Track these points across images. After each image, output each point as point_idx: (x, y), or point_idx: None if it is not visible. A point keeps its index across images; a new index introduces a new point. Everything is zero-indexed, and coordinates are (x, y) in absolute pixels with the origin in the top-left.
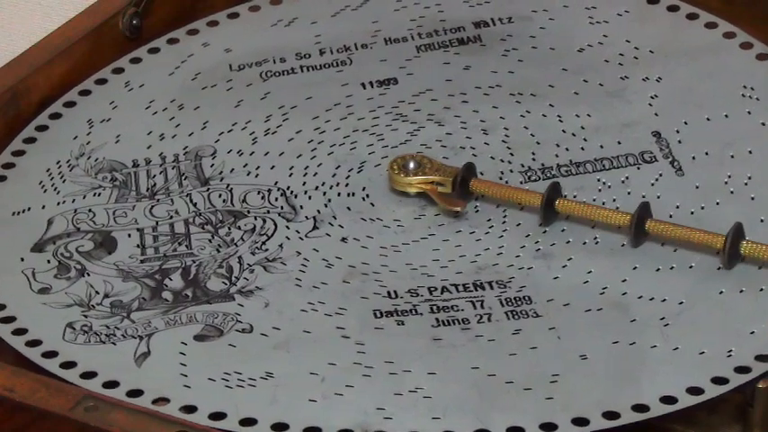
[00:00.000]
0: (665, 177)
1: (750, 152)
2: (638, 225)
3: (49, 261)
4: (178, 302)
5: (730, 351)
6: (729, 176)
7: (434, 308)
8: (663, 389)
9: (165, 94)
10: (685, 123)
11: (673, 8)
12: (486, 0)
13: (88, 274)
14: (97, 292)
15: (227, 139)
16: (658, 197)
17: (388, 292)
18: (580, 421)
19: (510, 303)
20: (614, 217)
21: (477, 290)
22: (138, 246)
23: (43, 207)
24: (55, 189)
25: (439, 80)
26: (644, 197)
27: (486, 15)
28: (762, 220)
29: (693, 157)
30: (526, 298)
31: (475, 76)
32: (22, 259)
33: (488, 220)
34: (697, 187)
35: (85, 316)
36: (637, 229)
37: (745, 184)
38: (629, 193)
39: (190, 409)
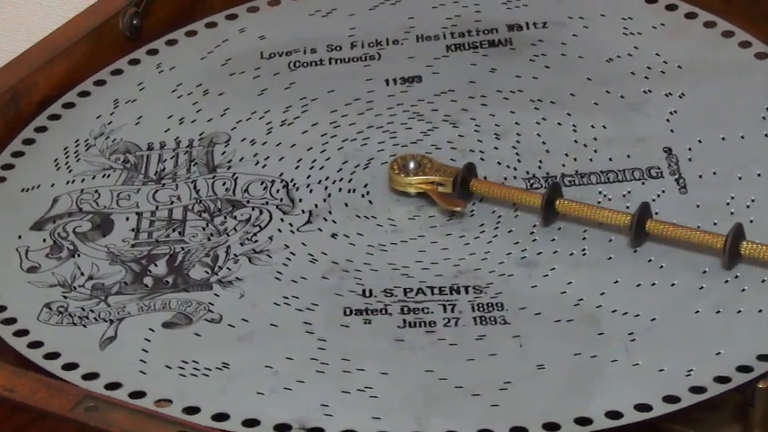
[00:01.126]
0: (668, 194)
1: (759, 174)
2: (639, 225)
3: (44, 240)
4: (157, 289)
5: (690, 371)
6: (732, 198)
7: (405, 309)
8: (610, 403)
9: (193, 77)
10: (699, 141)
11: (709, 24)
12: (525, 3)
13: (78, 255)
14: (82, 274)
15: (243, 127)
16: (656, 213)
17: (363, 291)
18: (518, 430)
19: (481, 309)
20: (614, 217)
21: (451, 293)
22: (132, 230)
23: (52, 185)
24: (68, 168)
25: (462, 81)
26: (657, 213)
27: (521, 19)
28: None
29: (700, 176)
30: (498, 305)
31: (498, 80)
32: (20, 237)
33: (481, 225)
34: (698, 206)
35: (65, 297)
36: (637, 230)
37: (747, 206)
38: (627, 207)
39: (139, 394)
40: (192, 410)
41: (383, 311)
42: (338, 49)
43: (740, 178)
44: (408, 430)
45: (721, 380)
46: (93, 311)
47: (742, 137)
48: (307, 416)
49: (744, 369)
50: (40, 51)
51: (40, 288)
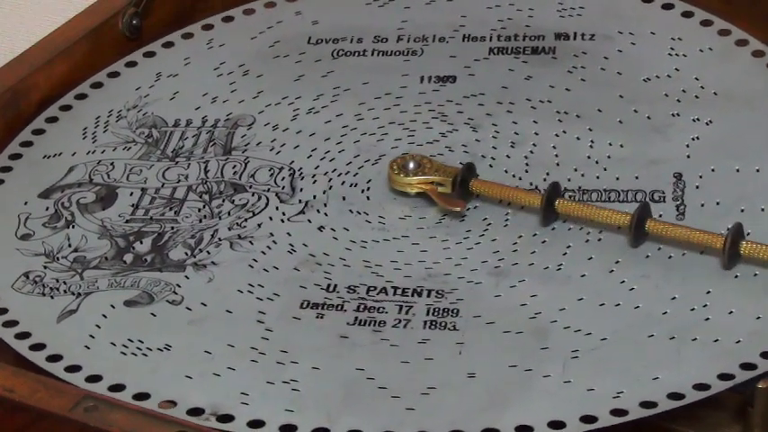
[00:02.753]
0: (663, 219)
1: (762, 209)
2: (639, 225)
3: (47, 208)
4: (133, 266)
5: (619, 393)
6: (728, 229)
7: (361, 306)
8: (524, 418)
9: (238, 57)
10: (712, 170)
11: (758, 53)
12: (579, 13)
13: (73, 227)
14: (69, 245)
15: (270, 111)
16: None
17: (328, 286)
18: None
19: (436, 314)
20: (614, 217)
21: (413, 296)
22: (132, 205)
23: (73, 154)
24: (93, 138)
25: (495, 85)
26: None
27: (571, 28)
28: (736, 276)
29: (702, 204)
30: (454, 311)
31: (531, 88)
32: (26, 203)
33: (467, 231)
34: None
35: (45, 267)
36: (637, 230)
37: (748, 233)
38: (618, 228)
39: (74, 368)
40: (118, 387)
41: (339, 307)
42: (384, 41)
43: (742, 211)
44: (314, 426)
45: (647, 405)
46: (65, 284)
47: (757, 170)
48: (222, 402)
49: (675, 396)
50: (40, 51)
51: (25, 256)
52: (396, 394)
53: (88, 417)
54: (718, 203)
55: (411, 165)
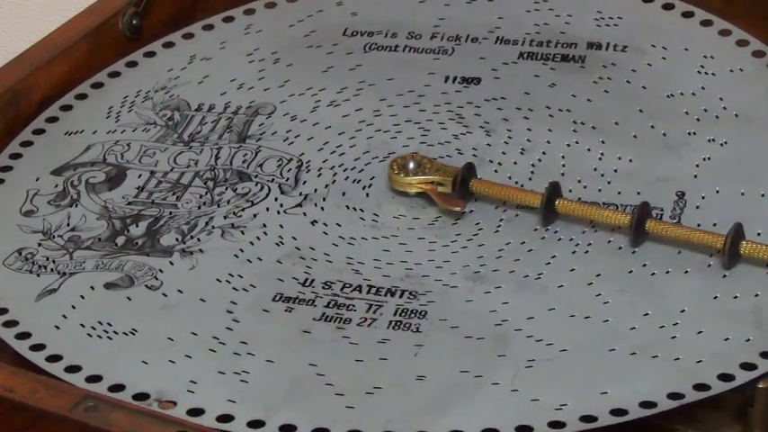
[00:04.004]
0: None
1: (759, 234)
2: (639, 225)
3: (56, 186)
4: (123, 249)
5: (563, 405)
6: (718, 251)
7: (332, 303)
8: (460, 424)
9: (272, 44)
10: (717, 191)
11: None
12: (615, 23)
13: (76, 206)
14: (68, 224)
15: (292, 101)
16: (633, 252)
17: (306, 280)
18: None
19: (403, 314)
20: (614, 217)
21: (385, 295)
22: (137, 188)
23: (94, 132)
24: (117, 117)
25: (518, 91)
26: (620, 248)
27: (605, 38)
28: (715, 297)
29: (699, 225)
30: (422, 312)
31: (553, 95)
32: (38, 179)
33: (457, 235)
34: (678, 253)
35: (39, 244)
36: (637, 229)
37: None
38: (609, 242)
39: (39, 347)
40: (73, 369)
41: (310, 302)
42: (418, 37)
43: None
44: (251, 418)
45: (587, 419)
46: (54, 263)
47: (762, 195)
48: (169, 389)
49: (617, 412)
50: (40, 51)
51: (24, 232)
52: (340, 392)
53: (88, 417)
54: (714, 224)
55: (411, 165)
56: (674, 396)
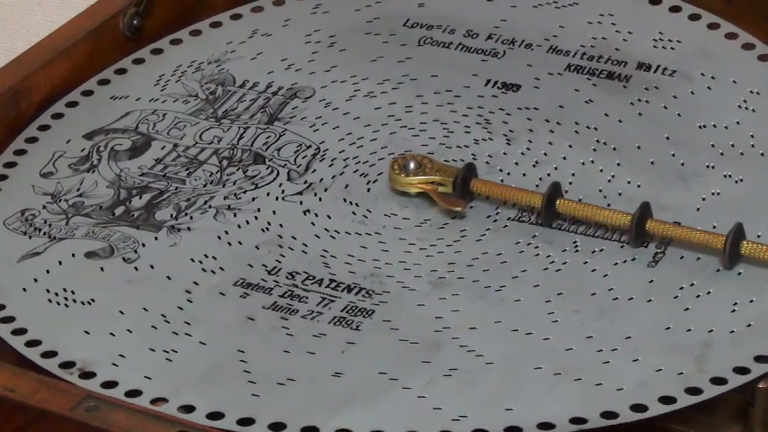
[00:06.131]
0: (634, 264)
1: (739, 273)
2: (639, 225)
3: (83, 150)
4: (118, 219)
5: (462, 416)
6: (692, 285)
7: (288, 293)
8: (351, 423)
9: (333, 27)
10: (714, 227)
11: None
12: (672, 47)
13: (93, 172)
14: (78, 190)
15: (332, 88)
16: (605, 276)
17: (273, 268)
18: (276, 426)
19: (351, 312)
20: (615, 217)
21: (342, 291)
22: (156, 159)
23: (138, 99)
24: (164, 86)
25: (553, 103)
26: (594, 271)
27: (656, 60)
28: (668, 328)
29: (682, 257)
30: (369, 311)
31: (585, 112)
32: (68, 141)
33: (439, 239)
34: (650, 282)
35: (44, 207)
36: (637, 229)
37: (697, 296)
38: (585, 263)
39: None
40: (19, 332)
41: (267, 291)
42: (474, 36)
43: (718, 271)
44: (155, 395)
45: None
46: (50, 227)
47: (758, 236)
48: (96, 361)
49: (511, 430)
50: (40, 51)
51: (35, 194)
52: (253, 380)
53: (89, 416)
54: (698, 259)
55: (412, 165)
56: (576, 420)
